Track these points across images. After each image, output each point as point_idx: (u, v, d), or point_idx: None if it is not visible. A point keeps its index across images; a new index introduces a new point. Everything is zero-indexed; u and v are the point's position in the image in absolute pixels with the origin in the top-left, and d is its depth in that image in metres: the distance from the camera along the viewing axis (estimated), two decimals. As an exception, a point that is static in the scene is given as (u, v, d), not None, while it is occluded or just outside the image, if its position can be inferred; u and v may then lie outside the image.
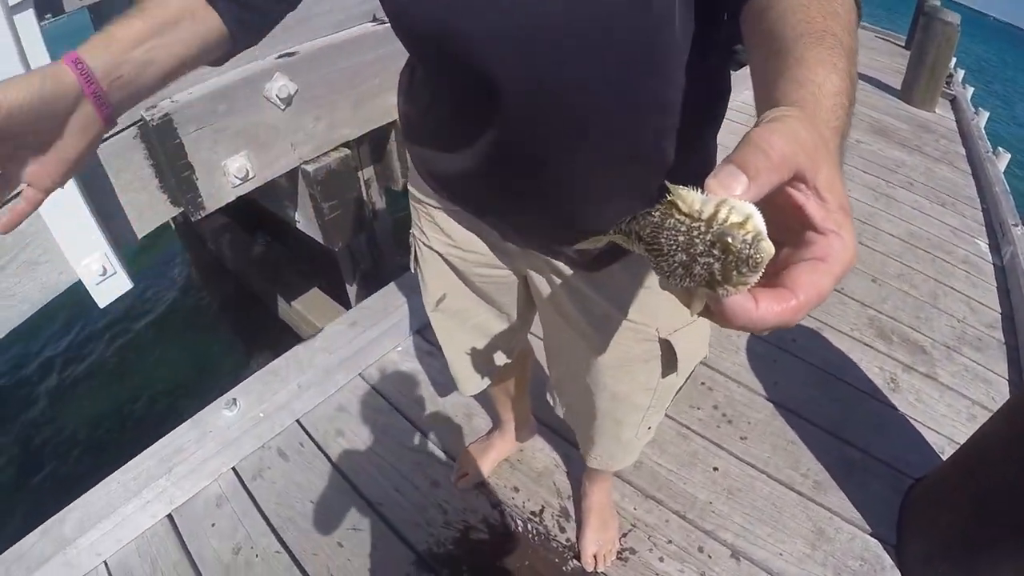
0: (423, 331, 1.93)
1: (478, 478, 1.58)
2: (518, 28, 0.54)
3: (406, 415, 1.71)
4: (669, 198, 0.32)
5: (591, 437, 1.08)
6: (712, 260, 0.30)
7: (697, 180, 0.32)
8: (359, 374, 1.80)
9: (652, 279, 0.80)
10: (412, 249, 1.00)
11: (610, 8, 0.52)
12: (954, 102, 6.41)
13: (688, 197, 0.31)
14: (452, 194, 0.82)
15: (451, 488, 1.57)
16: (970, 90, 6.74)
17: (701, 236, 0.30)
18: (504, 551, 1.48)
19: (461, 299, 1.00)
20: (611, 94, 0.58)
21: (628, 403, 0.96)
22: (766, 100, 0.39)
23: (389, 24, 0.64)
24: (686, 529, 1.57)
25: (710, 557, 1.51)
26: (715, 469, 1.73)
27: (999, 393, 2.32)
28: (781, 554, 1.55)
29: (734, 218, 0.30)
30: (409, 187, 0.93)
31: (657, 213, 0.33)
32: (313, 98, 1.96)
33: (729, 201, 0.30)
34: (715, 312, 0.32)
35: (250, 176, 1.85)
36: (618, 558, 1.48)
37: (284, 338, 2.89)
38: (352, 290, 2.77)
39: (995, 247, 3.37)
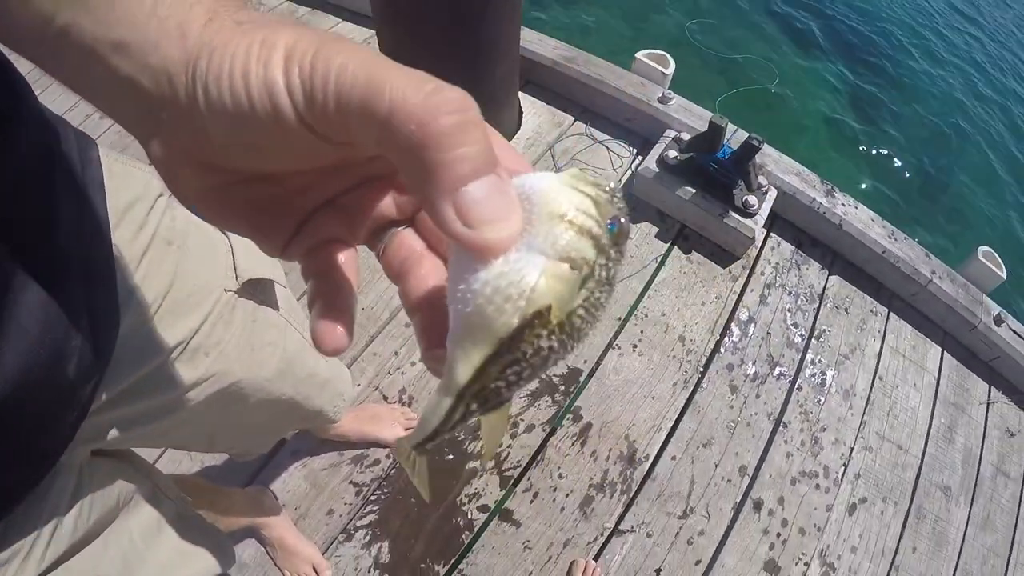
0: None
1: (316, 556, 1.43)
2: None
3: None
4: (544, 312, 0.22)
5: (314, 414, 0.99)
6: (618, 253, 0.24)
7: None
8: None
9: (161, 272, 0.62)
10: None
11: None
12: None
13: (571, 280, 0.22)
14: None
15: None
16: None
17: (610, 258, 0.23)
18: (400, 539, 1.47)
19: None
20: None
21: (293, 358, 0.84)
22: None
23: None
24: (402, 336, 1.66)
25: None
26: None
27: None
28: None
29: (588, 206, 0.22)
30: None
31: (550, 340, 0.22)
32: None
33: (569, 210, 0.22)
34: None
35: None
36: (411, 406, 1.56)
37: None
38: None
39: None
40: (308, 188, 0.28)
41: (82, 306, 0.49)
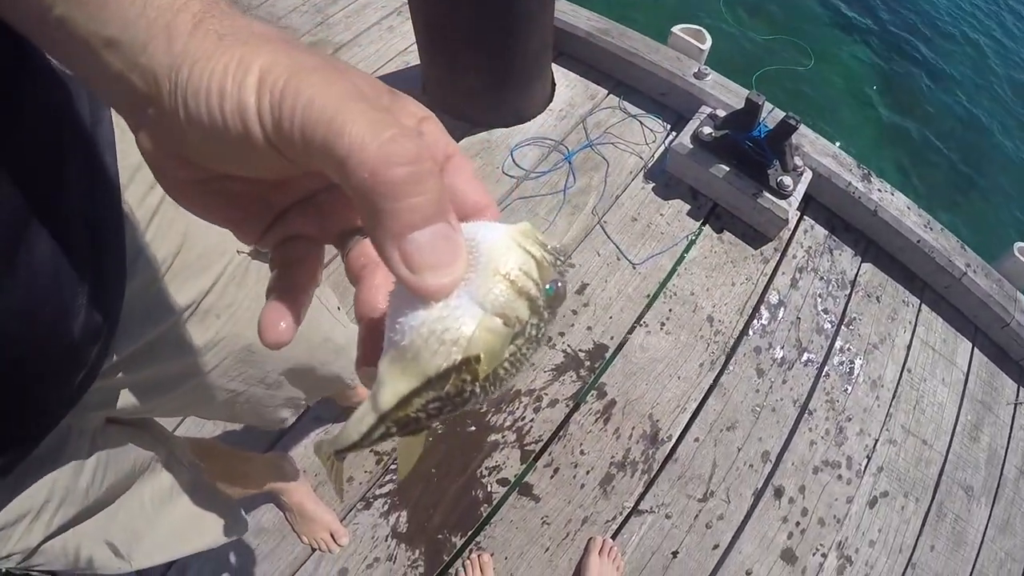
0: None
1: (334, 523, 1.42)
2: None
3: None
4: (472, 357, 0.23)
5: (331, 379, 0.98)
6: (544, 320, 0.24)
7: None
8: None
9: (172, 233, 0.61)
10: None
11: None
12: None
13: (496, 341, 0.23)
14: None
15: (347, 551, 1.41)
16: None
17: (542, 319, 0.24)
18: (418, 509, 1.45)
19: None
20: None
21: (308, 322, 0.82)
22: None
23: None
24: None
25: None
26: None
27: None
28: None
29: (530, 267, 0.23)
30: None
31: (472, 385, 0.23)
32: None
33: (512, 269, 0.23)
34: None
35: None
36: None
37: None
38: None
39: None
40: (285, 186, 0.29)
41: (88, 265, 0.47)
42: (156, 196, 0.58)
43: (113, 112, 0.54)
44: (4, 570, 0.61)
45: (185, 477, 0.84)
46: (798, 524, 1.61)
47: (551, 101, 2.04)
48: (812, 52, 3.06)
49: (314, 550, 1.41)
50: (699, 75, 2.02)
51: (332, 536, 1.40)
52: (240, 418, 0.91)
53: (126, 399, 0.64)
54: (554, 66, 2.09)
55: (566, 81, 2.11)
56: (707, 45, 2.09)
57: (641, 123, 2.05)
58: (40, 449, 0.54)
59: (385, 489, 1.45)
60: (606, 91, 2.10)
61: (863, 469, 1.73)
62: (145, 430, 0.77)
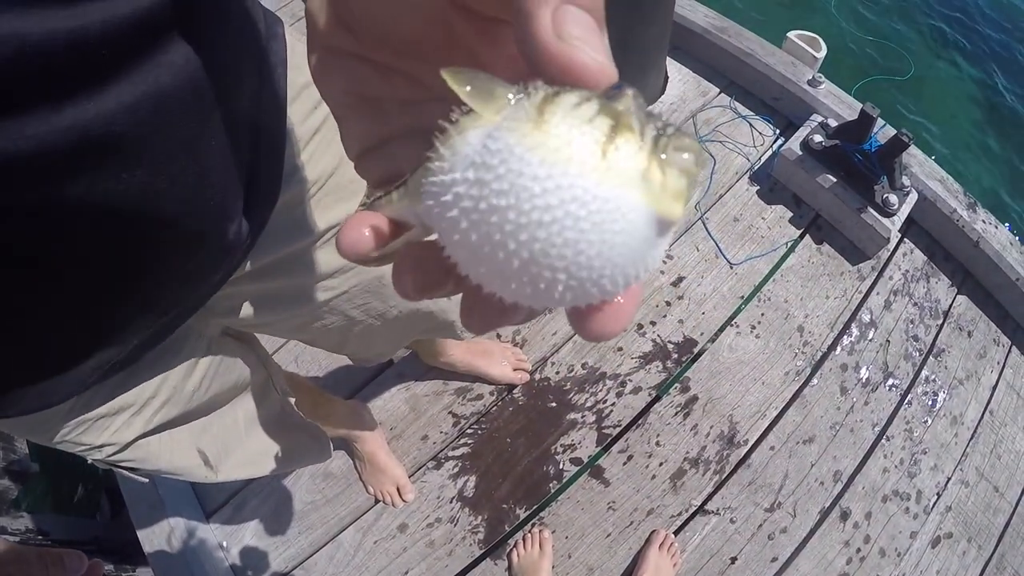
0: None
1: (403, 478, 1.42)
2: None
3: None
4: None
5: (446, 325, 0.94)
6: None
7: None
8: None
9: (329, 153, 0.61)
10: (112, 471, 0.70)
11: None
12: None
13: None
14: None
15: (410, 508, 1.41)
16: None
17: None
18: (488, 476, 1.44)
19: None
20: None
21: None
22: None
23: None
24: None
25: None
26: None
27: None
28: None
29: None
30: None
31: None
32: None
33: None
34: None
35: None
36: (523, 348, 1.53)
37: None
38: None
39: None
40: (410, 101, 0.26)
41: (246, 169, 0.48)
42: (320, 115, 0.58)
43: (286, 32, 0.55)
44: (90, 461, 0.62)
45: (277, 402, 0.85)
46: (858, 551, 1.57)
47: (663, 93, 2.00)
48: (912, 62, 2.92)
49: (378, 501, 1.41)
50: (813, 82, 1.95)
51: (398, 490, 1.40)
52: (346, 348, 0.90)
53: (248, 310, 0.64)
54: (668, 59, 2.04)
55: (679, 75, 2.06)
56: (822, 54, 2.03)
57: (751, 125, 1.99)
58: (159, 346, 0.55)
59: (458, 452, 1.44)
60: (718, 89, 2.04)
61: (931, 506, 1.67)
62: (252, 349, 0.78)
